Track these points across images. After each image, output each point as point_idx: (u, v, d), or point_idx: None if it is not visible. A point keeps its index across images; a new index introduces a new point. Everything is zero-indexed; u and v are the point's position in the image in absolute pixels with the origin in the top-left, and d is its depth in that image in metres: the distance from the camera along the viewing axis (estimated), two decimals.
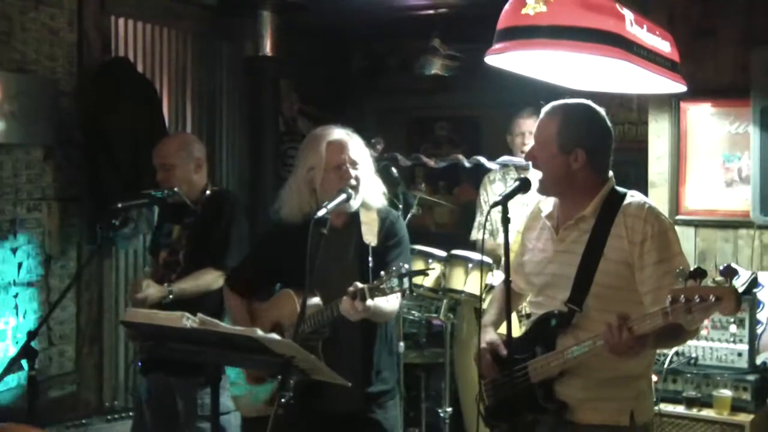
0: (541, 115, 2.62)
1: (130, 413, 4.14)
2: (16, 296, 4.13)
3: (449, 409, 4.04)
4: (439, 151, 6.69)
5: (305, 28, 5.83)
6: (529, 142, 4.48)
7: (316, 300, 2.90)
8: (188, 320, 2.43)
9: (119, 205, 3.45)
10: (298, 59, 5.93)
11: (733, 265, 3.85)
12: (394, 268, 2.68)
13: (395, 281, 2.66)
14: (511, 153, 4.60)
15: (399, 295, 2.85)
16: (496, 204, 2.45)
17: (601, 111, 2.61)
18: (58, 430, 3.93)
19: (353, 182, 2.97)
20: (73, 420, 4.09)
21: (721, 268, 2.31)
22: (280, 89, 5.60)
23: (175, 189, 3.52)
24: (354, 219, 3.03)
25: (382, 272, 2.70)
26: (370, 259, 2.90)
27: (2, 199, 4.06)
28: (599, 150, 2.56)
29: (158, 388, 3.54)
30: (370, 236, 2.98)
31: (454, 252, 4.04)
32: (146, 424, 3.62)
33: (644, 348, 2.33)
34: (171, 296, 3.36)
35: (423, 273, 2.70)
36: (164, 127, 4.74)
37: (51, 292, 4.33)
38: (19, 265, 4.15)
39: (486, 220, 2.57)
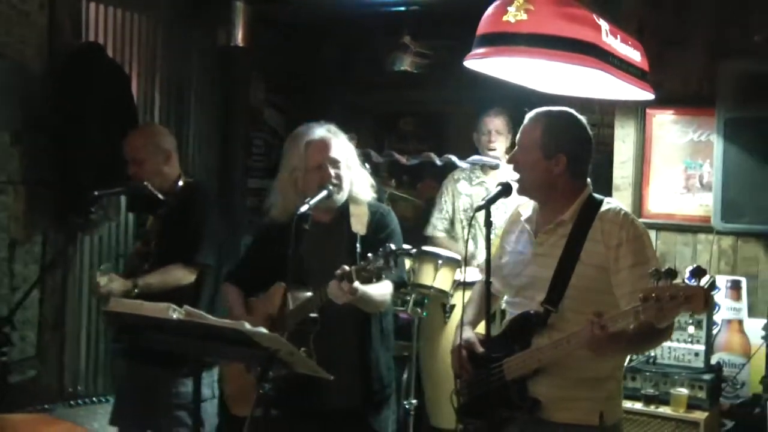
0: (525, 120, 2.70)
1: (93, 399, 4.15)
2: None
3: (414, 401, 4.11)
4: (404, 146, 6.74)
5: (276, 18, 5.83)
6: (495, 140, 4.58)
7: (307, 294, 2.95)
8: (174, 312, 2.45)
9: (96, 193, 3.43)
10: (267, 50, 5.93)
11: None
12: (380, 250, 2.73)
13: (381, 261, 2.71)
14: (477, 151, 4.69)
15: (389, 286, 2.90)
16: (479, 208, 2.53)
17: (583, 119, 2.70)
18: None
19: (334, 181, 3.02)
20: (36, 405, 4.05)
21: (691, 268, 2.41)
22: (250, 79, 5.59)
23: (145, 183, 3.52)
24: (343, 213, 3.09)
25: (370, 254, 2.76)
26: (358, 245, 2.96)
27: None
28: (580, 156, 2.65)
29: (136, 376, 3.52)
30: (359, 226, 3.05)
31: (425, 248, 4.12)
32: (125, 411, 3.61)
33: (618, 346, 2.42)
34: (136, 290, 3.33)
35: (408, 253, 2.77)
36: (135, 115, 4.70)
37: (15, 278, 4.28)
38: None
39: (470, 224, 2.63)
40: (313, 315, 2.92)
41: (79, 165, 4.35)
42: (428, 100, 6.81)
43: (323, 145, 3.07)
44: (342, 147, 3.11)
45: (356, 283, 2.75)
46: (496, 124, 4.63)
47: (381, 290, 2.94)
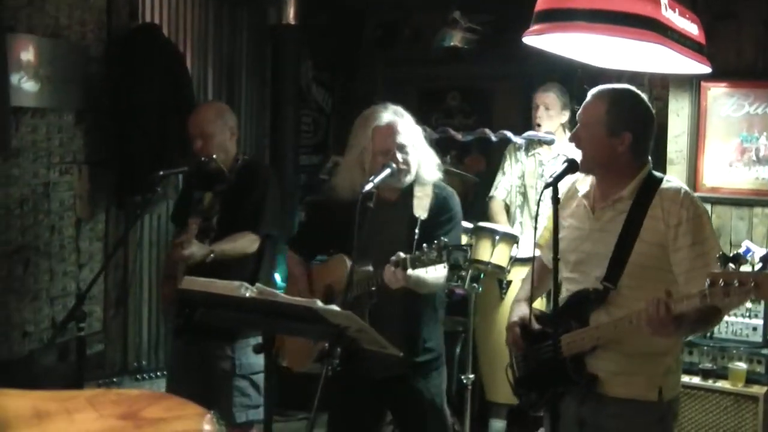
0: (588, 97, 2.70)
1: (157, 373, 4.27)
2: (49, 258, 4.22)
3: (471, 376, 4.17)
4: (451, 122, 6.77)
5: None
6: (542, 115, 4.59)
7: (367, 267, 3.03)
8: (246, 290, 2.52)
9: (161, 173, 3.49)
10: (313, 28, 5.97)
11: (750, 244, 4.02)
12: (436, 242, 2.79)
13: (434, 254, 2.77)
14: (527, 125, 4.72)
15: (444, 267, 2.96)
16: (547, 186, 2.55)
17: (645, 97, 2.70)
18: (90, 388, 4.04)
19: (402, 166, 3.09)
20: (104, 378, 4.20)
21: (762, 254, 2.41)
22: (300, 57, 5.64)
23: (214, 156, 3.59)
24: (408, 193, 3.15)
25: (425, 244, 2.81)
26: (416, 231, 3.02)
27: (36, 162, 4.12)
28: (643, 134, 2.65)
29: (193, 351, 3.62)
30: (421, 210, 3.10)
31: (482, 224, 4.15)
32: (181, 387, 3.71)
33: (679, 329, 2.41)
34: (212, 255, 3.41)
35: (462, 249, 2.83)
36: (191, 94, 4.78)
37: (81, 254, 4.41)
38: (52, 228, 4.23)
39: (540, 200, 2.66)
40: (371, 289, 3.01)
41: (136, 144, 4.45)
42: (473, 74, 6.81)
43: (390, 130, 3.12)
44: (408, 130, 3.15)
45: (410, 271, 2.82)
46: (543, 99, 4.64)
47: (435, 274, 2.97)
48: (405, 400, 3.20)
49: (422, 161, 3.17)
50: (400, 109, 3.20)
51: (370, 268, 3.03)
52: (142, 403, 1.53)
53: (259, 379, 3.57)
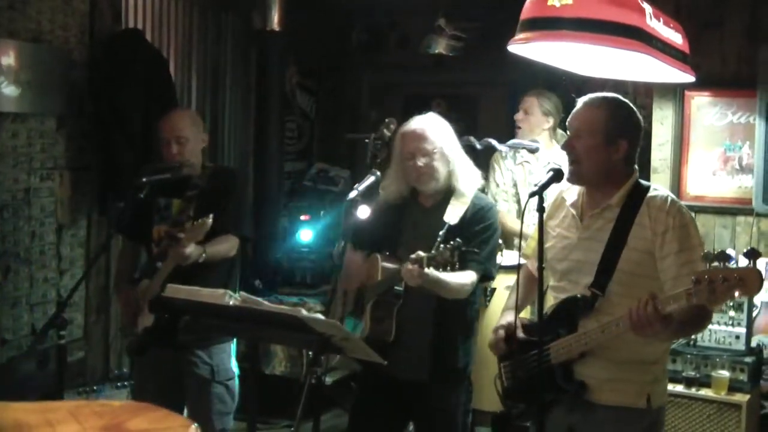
0: (580, 106, 2.69)
1: None
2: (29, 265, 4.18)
3: None
4: None
5: (308, 1, 5.85)
6: (520, 118, 4.60)
7: (394, 265, 3.09)
8: (230, 298, 2.51)
9: (144, 179, 3.45)
10: (299, 33, 5.96)
11: (730, 251, 4.04)
12: (451, 243, 2.81)
13: (447, 254, 2.80)
14: (510, 134, 4.72)
15: (471, 276, 3.02)
16: (532, 194, 2.54)
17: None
18: (69, 396, 4.00)
19: (423, 171, 3.13)
20: (84, 386, 4.16)
21: (745, 250, 2.41)
22: (285, 63, 5.63)
23: (190, 161, 3.56)
24: (444, 201, 3.19)
25: (442, 244, 2.84)
26: (440, 234, 3.03)
27: (17, 168, 4.09)
28: (636, 143, 2.67)
29: (166, 358, 3.55)
30: (452, 216, 3.12)
31: None
32: (150, 393, 3.65)
33: (666, 330, 2.40)
34: (204, 257, 3.36)
35: (474, 252, 2.86)
36: (175, 100, 4.76)
37: (62, 261, 4.37)
38: (32, 234, 4.19)
39: (524, 209, 2.65)
40: (398, 289, 3.05)
41: (119, 149, 4.43)
42: (459, 81, 6.83)
43: (415, 135, 3.15)
44: (438, 137, 3.17)
45: (426, 269, 2.83)
46: (524, 103, 4.65)
47: (460, 279, 3.01)
48: (427, 409, 3.20)
49: (458, 172, 3.18)
50: (438, 117, 3.25)
51: (397, 265, 3.06)
52: (125, 415, 1.51)
53: (233, 385, 3.55)
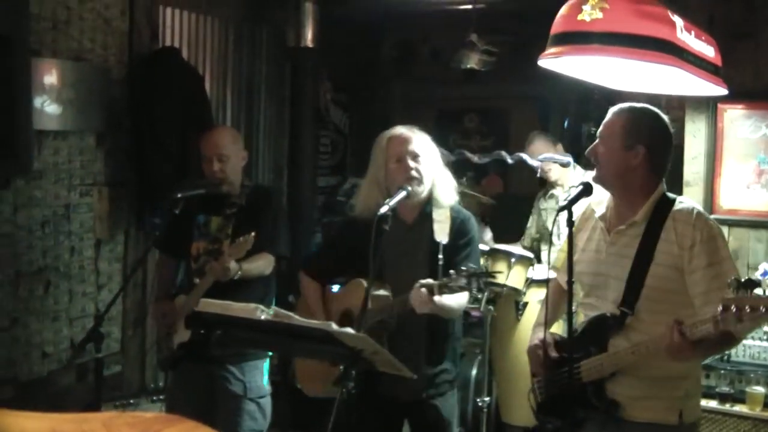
0: (608, 114, 2.73)
1: None
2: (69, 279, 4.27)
3: (487, 399, 4.16)
4: (467, 143, 6.81)
5: (340, 17, 5.91)
6: (547, 166, 4.66)
7: (385, 292, 3.04)
8: (262, 312, 2.54)
9: (179, 195, 3.50)
10: (331, 48, 6.02)
11: (761, 268, 4.00)
12: (463, 268, 2.80)
13: (463, 281, 2.79)
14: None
15: (466, 294, 2.97)
16: (562, 209, 2.56)
17: (665, 117, 2.71)
18: (106, 409, 4.07)
19: (414, 174, 3.09)
20: (121, 399, 4.22)
21: None
22: (318, 79, 5.70)
23: (230, 179, 3.62)
24: (426, 216, 3.16)
25: (452, 270, 2.82)
26: (440, 256, 3.02)
27: (58, 184, 4.18)
28: (658, 151, 2.66)
29: (199, 373, 3.57)
30: (442, 235, 3.10)
31: (497, 246, 4.16)
32: (183, 407, 3.68)
33: (695, 353, 2.42)
34: (240, 273, 3.42)
35: (491, 275, 2.84)
36: (210, 116, 4.84)
37: (100, 275, 4.46)
38: (72, 249, 4.28)
39: (554, 224, 2.67)
40: (393, 314, 3.01)
41: (156, 165, 4.51)
42: (491, 95, 6.85)
43: (403, 138, 3.15)
44: (423, 144, 3.17)
45: (437, 297, 2.83)
46: (533, 149, 4.72)
47: (459, 300, 3.03)
48: (422, 418, 3.20)
49: (438, 182, 3.18)
50: (416, 128, 3.23)
51: (388, 292, 3.03)
52: (157, 426, 1.55)
53: (266, 403, 3.60)
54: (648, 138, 2.64)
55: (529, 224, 4.99)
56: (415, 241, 3.14)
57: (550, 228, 4.57)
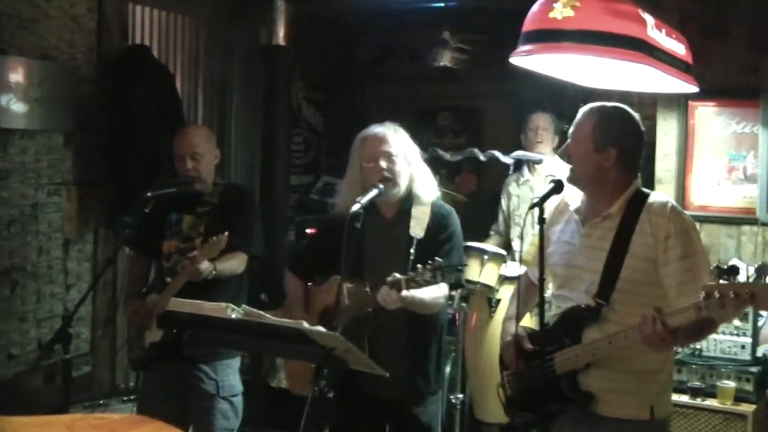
0: (579, 114, 2.73)
1: None
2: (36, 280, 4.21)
3: (461, 396, 4.15)
4: (441, 141, 6.80)
5: (314, 15, 5.88)
6: (542, 136, 4.62)
7: (363, 289, 3.01)
8: (233, 311, 2.52)
9: (149, 194, 3.47)
10: (306, 47, 5.99)
11: (739, 262, 4.03)
12: (430, 262, 2.78)
13: (429, 274, 2.77)
14: (521, 148, 4.74)
15: (444, 288, 2.95)
16: (533, 206, 2.56)
17: (636, 115, 2.72)
18: (75, 410, 4.01)
19: (386, 174, 3.08)
20: (91, 401, 4.17)
21: (756, 266, 2.40)
22: (292, 77, 5.66)
23: (203, 177, 3.58)
24: (406, 213, 3.14)
25: (419, 265, 2.81)
26: (411, 251, 3.00)
27: (25, 183, 4.12)
28: (630, 151, 2.67)
29: (172, 373, 3.53)
30: (418, 229, 3.08)
31: (470, 244, 4.15)
32: (155, 407, 3.64)
33: (675, 342, 2.43)
34: (214, 273, 3.39)
35: (457, 269, 2.82)
36: (182, 115, 4.79)
37: (68, 276, 4.40)
38: (40, 249, 4.21)
39: (524, 220, 2.67)
40: (368, 310, 2.99)
41: (127, 164, 4.46)
42: (464, 94, 6.85)
43: (377, 139, 3.13)
44: (399, 143, 3.15)
45: (404, 292, 2.81)
46: (541, 121, 4.68)
47: (433, 293, 2.99)
48: (402, 423, 3.18)
49: (418, 179, 3.16)
50: (395, 126, 3.20)
51: (368, 288, 3.01)
52: (122, 428, 1.52)
53: (238, 401, 3.58)
54: (619, 139, 2.65)
55: (501, 206, 4.88)
56: (394, 237, 3.12)
57: (521, 219, 4.56)
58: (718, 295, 2.21)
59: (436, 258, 2.81)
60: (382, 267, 2.98)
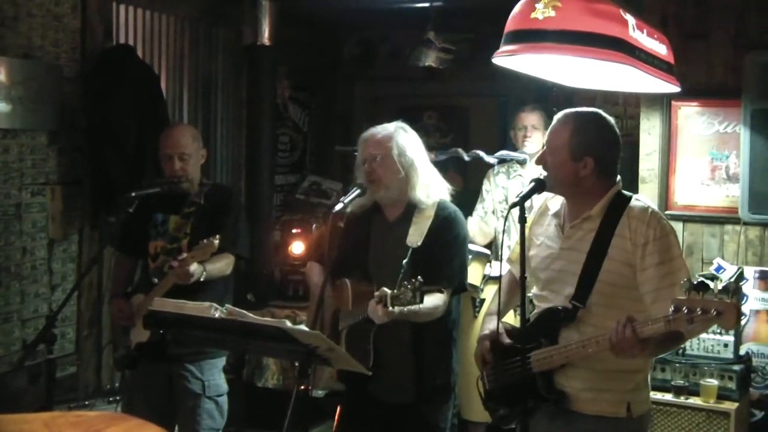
0: (554, 122, 2.73)
1: None
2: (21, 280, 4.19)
3: None
4: (427, 140, 6.79)
5: (299, 14, 5.88)
6: (531, 135, 4.61)
7: (369, 289, 3.00)
8: (216, 310, 2.52)
9: (133, 194, 3.47)
10: (290, 46, 5.99)
11: (722, 261, 4.06)
12: (412, 281, 2.73)
13: (410, 294, 2.73)
14: (501, 143, 4.73)
15: (441, 296, 2.95)
16: (514, 205, 2.57)
17: (611, 120, 2.73)
18: (60, 411, 4.00)
19: (371, 176, 3.09)
20: (76, 401, 4.16)
21: (723, 285, 2.42)
22: (276, 76, 5.66)
23: (190, 177, 3.58)
24: (407, 216, 3.12)
25: (405, 282, 2.76)
26: (404, 263, 2.97)
27: (8, 183, 4.10)
28: (607, 158, 2.68)
29: (157, 372, 3.56)
30: (417, 236, 3.04)
31: None
32: (141, 407, 3.59)
33: (644, 351, 2.43)
34: (204, 275, 3.39)
35: (437, 291, 2.82)
36: (166, 114, 4.78)
37: (53, 276, 4.38)
38: (24, 249, 4.20)
39: (506, 219, 2.67)
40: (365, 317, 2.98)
41: (111, 164, 4.44)
42: (450, 93, 6.87)
43: (370, 140, 3.14)
44: (393, 144, 3.11)
45: (390, 308, 2.76)
46: (531, 119, 4.65)
47: (429, 304, 2.91)
48: (411, 427, 3.16)
49: (420, 182, 3.11)
50: (402, 126, 3.18)
51: (371, 289, 2.98)
52: (100, 425, 1.52)
53: (224, 401, 3.59)
54: (595, 148, 2.65)
55: (484, 197, 4.79)
56: (395, 240, 3.10)
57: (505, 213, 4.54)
58: (686, 310, 2.24)
59: (419, 278, 2.75)
60: (385, 270, 2.99)
